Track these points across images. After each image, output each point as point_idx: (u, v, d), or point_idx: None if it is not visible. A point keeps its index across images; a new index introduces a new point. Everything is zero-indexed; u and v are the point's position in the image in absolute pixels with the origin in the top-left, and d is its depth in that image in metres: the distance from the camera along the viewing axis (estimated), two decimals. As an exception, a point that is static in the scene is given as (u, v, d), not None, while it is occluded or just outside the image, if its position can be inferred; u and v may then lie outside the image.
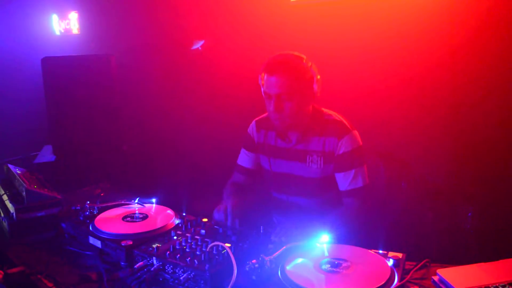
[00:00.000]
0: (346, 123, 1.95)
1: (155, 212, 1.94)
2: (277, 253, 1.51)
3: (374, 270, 1.43)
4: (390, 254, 1.51)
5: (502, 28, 2.61)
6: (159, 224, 1.80)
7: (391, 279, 1.38)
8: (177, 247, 1.56)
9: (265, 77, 1.86)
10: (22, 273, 1.58)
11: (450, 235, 2.81)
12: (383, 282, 1.35)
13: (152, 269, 1.49)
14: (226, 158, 2.30)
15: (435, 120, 2.88)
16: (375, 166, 2.26)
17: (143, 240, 1.66)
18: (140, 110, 3.94)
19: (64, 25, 4.92)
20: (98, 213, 1.92)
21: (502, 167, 2.68)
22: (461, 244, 2.76)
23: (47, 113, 3.22)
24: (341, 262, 1.47)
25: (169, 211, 1.94)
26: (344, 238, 1.75)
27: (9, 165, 2.36)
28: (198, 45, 3.73)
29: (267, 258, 1.45)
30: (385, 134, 2.96)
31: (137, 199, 2.06)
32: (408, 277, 1.43)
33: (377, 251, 1.55)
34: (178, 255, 1.50)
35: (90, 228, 1.79)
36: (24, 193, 1.97)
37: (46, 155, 3.32)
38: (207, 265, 1.40)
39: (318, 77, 1.87)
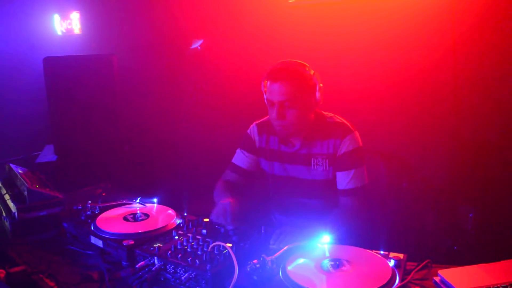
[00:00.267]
0: (348, 124, 1.97)
1: (156, 212, 1.94)
2: (278, 253, 1.51)
3: (375, 271, 1.43)
4: (391, 254, 1.52)
5: (502, 28, 2.61)
6: (160, 224, 1.80)
7: (392, 279, 1.38)
8: (178, 247, 1.56)
9: (268, 84, 1.87)
10: (24, 272, 1.59)
11: (452, 236, 2.81)
12: (384, 283, 1.35)
13: (153, 268, 1.49)
14: (227, 158, 2.30)
15: (436, 121, 2.88)
16: (376, 167, 2.26)
17: (144, 239, 1.66)
18: (141, 110, 3.95)
19: (66, 25, 4.92)
20: (100, 213, 1.93)
21: (504, 167, 2.67)
22: (462, 245, 2.76)
23: (48, 113, 3.22)
24: (342, 262, 1.47)
25: (171, 211, 1.94)
26: (345, 238, 1.76)
27: (11, 165, 2.37)
28: (197, 44, 3.73)
29: (268, 258, 1.45)
30: (386, 135, 2.96)
31: (138, 199, 2.06)
32: (409, 277, 1.43)
33: (378, 251, 1.55)
34: (180, 255, 1.50)
35: (92, 228, 1.79)
36: (26, 192, 1.97)
37: (48, 154, 3.32)
38: (209, 265, 1.41)
39: (321, 85, 1.89)
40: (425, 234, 2.85)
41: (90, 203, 1.97)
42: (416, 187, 2.91)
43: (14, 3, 4.87)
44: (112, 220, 1.85)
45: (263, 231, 1.67)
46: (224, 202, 1.77)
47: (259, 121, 2.12)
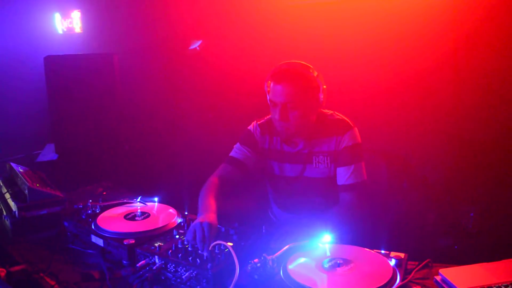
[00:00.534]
0: (348, 120, 1.98)
1: (157, 211, 1.94)
2: (279, 252, 1.51)
3: (376, 270, 1.42)
4: (392, 254, 1.51)
5: (503, 27, 2.61)
6: (161, 223, 1.80)
7: (393, 279, 1.38)
8: (179, 246, 1.55)
9: (271, 85, 1.87)
10: (24, 271, 1.59)
11: (452, 235, 2.80)
12: (385, 282, 1.35)
13: (154, 267, 1.49)
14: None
15: (437, 121, 2.88)
16: (377, 167, 2.26)
17: (145, 238, 1.66)
18: (142, 109, 3.95)
19: (67, 24, 4.92)
20: (100, 212, 1.93)
21: (505, 167, 2.67)
22: (463, 244, 2.76)
23: (49, 112, 3.23)
24: (343, 261, 1.47)
25: (171, 210, 1.94)
26: (346, 238, 1.76)
27: (12, 164, 2.36)
28: (195, 45, 3.73)
29: (269, 257, 1.45)
30: (386, 135, 2.96)
31: (139, 198, 2.06)
32: (410, 277, 1.43)
33: (379, 251, 1.55)
34: (180, 254, 1.50)
35: (92, 227, 1.79)
36: (27, 191, 1.97)
37: (48, 153, 3.33)
38: (209, 264, 1.41)
39: (324, 86, 1.89)
40: (426, 234, 2.85)
41: (90, 202, 1.97)
42: (417, 186, 2.91)
43: (15, 1, 4.87)
44: (113, 219, 1.85)
45: (264, 230, 1.67)
46: (202, 222, 1.57)
47: (261, 121, 2.10)
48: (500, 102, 2.68)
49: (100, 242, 1.72)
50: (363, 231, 1.97)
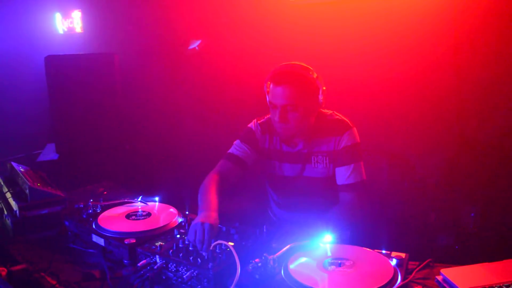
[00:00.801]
0: (347, 120, 1.98)
1: (158, 211, 1.94)
2: (280, 252, 1.51)
3: (377, 270, 1.42)
4: (393, 254, 1.51)
5: (503, 26, 2.61)
6: (162, 222, 1.80)
7: (394, 278, 1.38)
8: (180, 245, 1.55)
9: (271, 86, 1.86)
10: (25, 270, 1.59)
11: (453, 236, 2.80)
12: (386, 282, 1.35)
13: (155, 267, 1.49)
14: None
15: (438, 120, 2.88)
16: (377, 167, 2.26)
17: (146, 238, 1.66)
18: (143, 108, 3.95)
19: (68, 24, 4.92)
20: (101, 211, 1.93)
21: (505, 167, 2.67)
22: (464, 244, 2.76)
23: (50, 112, 3.23)
24: (344, 261, 1.47)
25: (172, 210, 1.94)
26: (346, 235, 1.76)
27: (13, 163, 2.37)
28: (195, 45, 3.73)
29: (270, 257, 1.45)
30: (387, 134, 2.96)
31: (140, 197, 2.06)
32: (411, 276, 1.43)
33: (380, 251, 1.55)
34: (181, 254, 1.50)
35: (93, 226, 1.79)
36: (28, 191, 1.97)
37: (49, 153, 3.33)
38: (211, 264, 1.41)
39: (324, 88, 1.88)
40: (426, 234, 2.85)
41: (91, 202, 1.98)
42: (418, 186, 2.91)
43: (15, 2, 4.88)
44: (114, 219, 1.85)
45: (264, 230, 1.67)
46: (203, 223, 1.56)
47: (261, 120, 2.10)
48: (500, 102, 2.68)
49: (101, 241, 1.72)
50: (364, 231, 1.98)
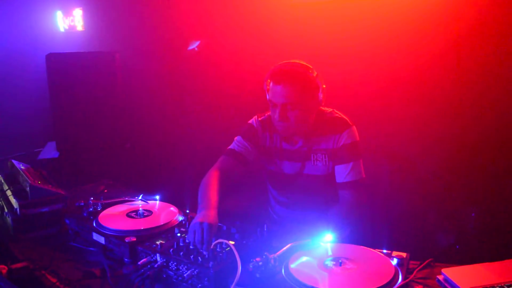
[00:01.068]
0: (346, 119, 1.98)
1: (158, 209, 1.94)
2: (281, 251, 1.51)
3: (378, 269, 1.42)
4: (394, 253, 1.51)
5: (502, 23, 2.60)
6: (162, 221, 1.80)
7: (395, 278, 1.38)
8: (180, 244, 1.55)
9: (271, 85, 1.86)
10: (26, 268, 1.59)
11: (454, 235, 2.80)
12: (387, 281, 1.35)
13: (155, 265, 1.49)
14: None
15: (439, 120, 2.87)
16: (378, 166, 2.26)
17: (146, 236, 1.66)
18: (143, 107, 3.95)
19: (69, 22, 4.91)
20: (102, 210, 1.93)
21: (506, 166, 2.67)
22: (465, 244, 2.76)
23: (51, 110, 3.23)
24: (345, 260, 1.46)
25: (173, 208, 1.94)
26: (348, 237, 1.76)
27: (13, 161, 2.36)
28: (194, 45, 3.73)
29: (271, 256, 1.45)
30: (388, 134, 2.95)
31: (140, 195, 2.06)
32: (412, 276, 1.43)
33: (381, 250, 1.55)
34: (182, 252, 1.50)
35: (94, 224, 1.79)
36: (28, 188, 1.97)
37: (50, 151, 3.33)
38: (211, 263, 1.40)
39: (324, 86, 1.89)
40: (427, 234, 2.85)
41: (92, 200, 1.98)
42: (418, 186, 2.91)
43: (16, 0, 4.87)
44: (114, 217, 1.85)
45: (265, 229, 1.67)
46: (202, 223, 1.56)
47: (262, 117, 2.10)
48: (501, 102, 2.67)
49: (101, 239, 1.72)
50: (365, 231, 1.98)
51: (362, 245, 1.60)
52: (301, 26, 3.22)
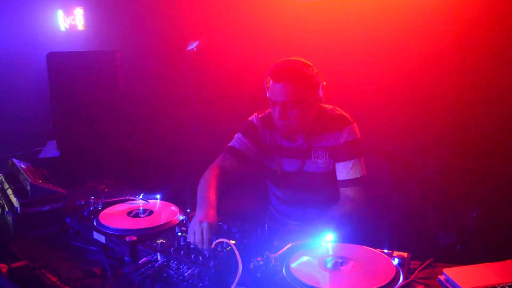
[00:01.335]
0: (347, 116, 1.98)
1: (159, 208, 1.93)
2: (282, 250, 1.50)
3: (379, 269, 1.42)
4: (395, 253, 1.51)
5: (504, 21, 2.60)
6: (163, 220, 1.79)
7: (396, 278, 1.37)
8: (181, 243, 1.55)
9: (271, 83, 1.86)
10: (26, 267, 1.58)
11: (455, 235, 2.80)
12: (388, 281, 1.34)
13: (156, 265, 1.49)
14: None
15: (440, 119, 2.87)
16: (378, 166, 2.25)
17: (147, 236, 1.66)
18: (144, 106, 3.95)
19: (70, 21, 4.91)
20: (103, 209, 1.92)
21: (507, 166, 2.66)
22: (466, 244, 2.75)
23: (51, 109, 3.23)
24: (346, 260, 1.46)
25: (173, 207, 1.94)
26: (349, 237, 1.75)
27: (14, 160, 2.36)
28: (193, 46, 3.73)
29: (272, 256, 1.44)
30: (388, 133, 2.95)
31: (141, 195, 2.06)
32: (413, 276, 1.42)
33: (382, 250, 1.55)
34: (183, 251, 1.49)
35: (95, 223, 1.79)
36: (29, 187, 1.97)
37: (51, 150, 3.33)
38: (212, 262, 1.40)
39: (324, 83, 1.88)
40: (428, 233, 2.85)
41: (93, 199, 1.97)
42: (419, 186, 2.91)
43: (17, -2, 4.87)
44: (115, 216, 1.84)
45: (266, 228, 1.66)
46: (201, 222, 1.55)
47: (262, 114, 2.08)
48: (502, 101, 2.67)
49: (102, 239, 1.71)
50: (366, 230, 1.97)
51: (363, 245, 1.59)
52: (301, 24, 3.22)
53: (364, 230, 1.96)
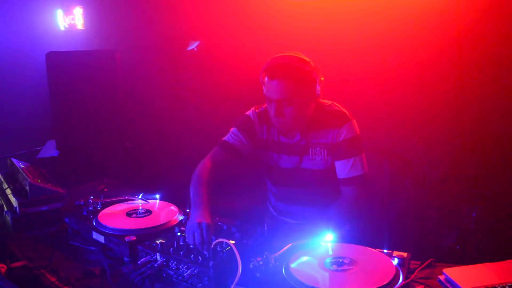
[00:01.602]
0: (346, 112, 1.93)
1: (158, 208, 1.93)
2: (281, 250, 1.50)
3: (379, 269, 1.42)
4: (395, 253, 1.51)
5: (504, 22, 2.60)
6: (162, 220, 1.79)
7: (396, 278, 1.37)
8: (181, 243, 1.55)
9: (266, 79, 1.81)
10: (25, 267, 1.58)
11: (455, 235, 2.80)
12: (387, 281, 1.34)
13: (155, 265, 1.49)
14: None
15: (439, 119, 2.87)
16: (378, 166, 2.25)
17: (146, 235, 1.65)
18: (143, 106, 3.94)
19: (69, 20, 4.91)
20: (102, 208, 1.92)
21: (507, 166, 2.66)
22: (466, 244, 2.75)
23: (50, 108, 3.22)
24: (345, 260, 1.46)
25: (173, 207, 1.94)
26: (349, 236, 1.75)
27: (13, 159, 2.36)
28: (193, 46, 3.73)
29: (271, 256, 1.44)
30: (388, 133, 2.95)
31: (140, 195, 2.05)
32: (412, 276, 1.42)
33: (382, 250, 1.54)
34: (182, 251, 1.49)
35: (94, 223, 1.79)
36: (28, 187, 1.97)
37: (50, 150, 3.32)
38: (211, 262, 1.40)
39: (322, 78, 1.84)
40: (428, 233, 2.84)
41: (92, 199, 1.97)
42: (419, 186, 2.90)
43: (17, -2, 4.87)
44: (114, 216, 1.84)
45: (266, 228, 1.66)
46: (200, 223, 1.55)
47: (259, 109, 2.05)
48: (502, 101, 2.67)
49: (101, 238, 1.71)
50: (366, 230, 1.96)
51: (363, 245, 1.59)
52: (300, 23, 3.22)
53: (364, 230, 1.96)
